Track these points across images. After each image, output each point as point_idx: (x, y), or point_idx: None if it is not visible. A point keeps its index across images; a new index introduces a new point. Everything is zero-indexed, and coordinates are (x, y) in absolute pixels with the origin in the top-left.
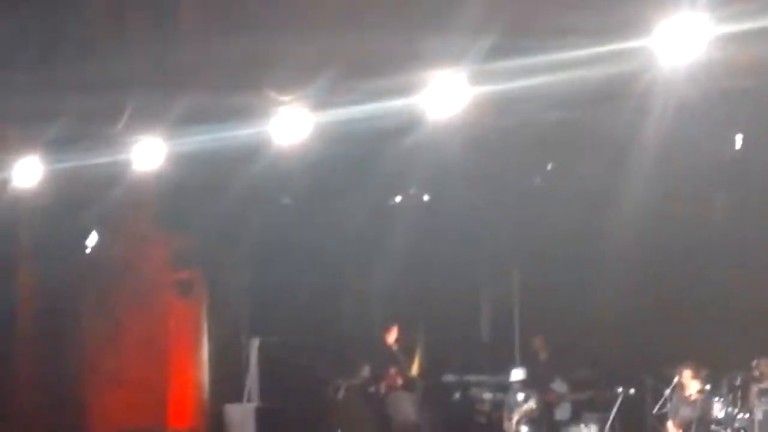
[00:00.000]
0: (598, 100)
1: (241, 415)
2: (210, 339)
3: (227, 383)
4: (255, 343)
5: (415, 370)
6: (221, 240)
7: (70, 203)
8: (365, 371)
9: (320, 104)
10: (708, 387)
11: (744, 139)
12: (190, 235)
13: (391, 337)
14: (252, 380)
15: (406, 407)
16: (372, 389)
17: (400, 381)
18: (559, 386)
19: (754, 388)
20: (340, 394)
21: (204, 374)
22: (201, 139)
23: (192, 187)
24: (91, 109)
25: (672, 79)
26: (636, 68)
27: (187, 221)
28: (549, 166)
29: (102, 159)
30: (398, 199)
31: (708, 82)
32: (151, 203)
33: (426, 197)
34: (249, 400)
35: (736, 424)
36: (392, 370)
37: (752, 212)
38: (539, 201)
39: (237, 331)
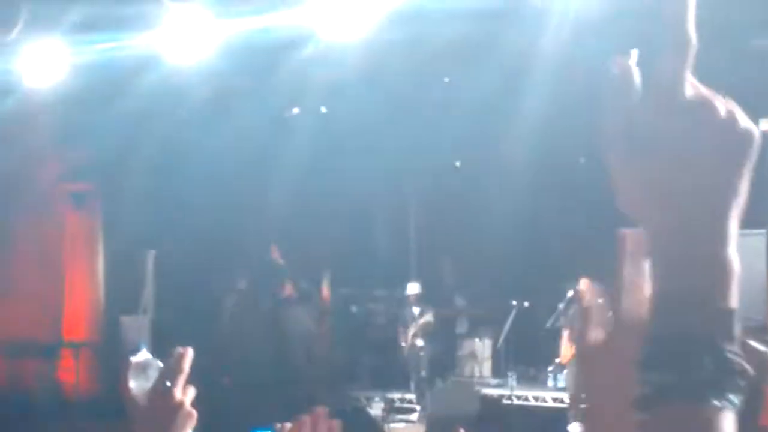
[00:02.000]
0: (496, 13)
1: (137, 326)
2: (105, 251)
3: (122, 295)
4: (150, 255)
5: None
6: (116, 153)
7: None
8: (243, 285)
9: (218, 14)
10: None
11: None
12: (85, 147)
13: (276, 252)
14: (147, 292)
15: (301, 320)
16: (267, 303)
17: (294, 294)
18: (458, 301)
19: None
20: (230, 306)
21: (99, 286)
22: (96, 48)
23: (86, 98)
24: None
25: None
26: None
27: (81, 133)
28: (446, 80)
29: None
30: (296, 111)
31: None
32: (44, 115)
33: (323, 110)
34: (144, 312)
35: None
36: (287, 287)
37: None
38: (435, 115)
39: (132, 244)
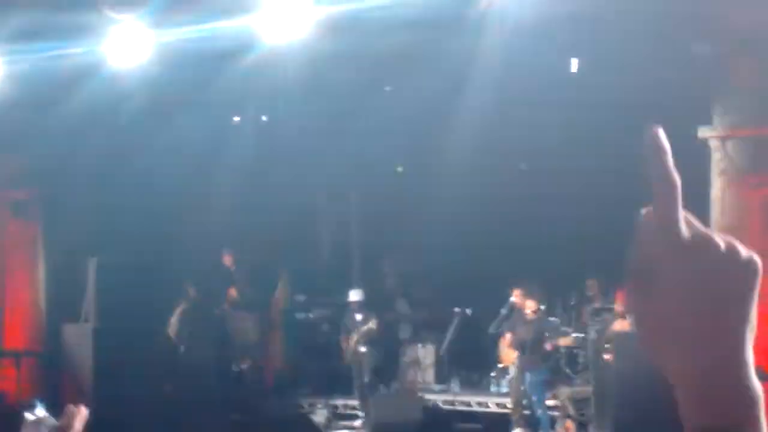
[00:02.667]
0: (437, 22)
1: (79, 335)
2: (46, 259)
3: (64, 303)
4: (92, 263)
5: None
6: (56, 160)
7: None
8: (192, 292)
9: (157, 23)
10: (543, 307)
11: (579, 63)
12: (24, 154)
13: (229, 259)
14: (89, 300)
15: (246, 327)
16: (216, 310)
17: (239, 300)
18: (401, 306)
19: (588, 309)
20: (175, 315)
21: (40, 294)
22: (36, 57)
23: (27, 105)
24: None
25: (510, 1)
26: None
27: (20, 140)
28: (387, 88)
29: None
30: (237, 119)
31: (545, 4)
32: None
33: (264, 118)
34: (86, 320)
35: (570, 344)
36: (231, 291)
37: (584, 137)
38: (377, 123)
39: (74, 251)
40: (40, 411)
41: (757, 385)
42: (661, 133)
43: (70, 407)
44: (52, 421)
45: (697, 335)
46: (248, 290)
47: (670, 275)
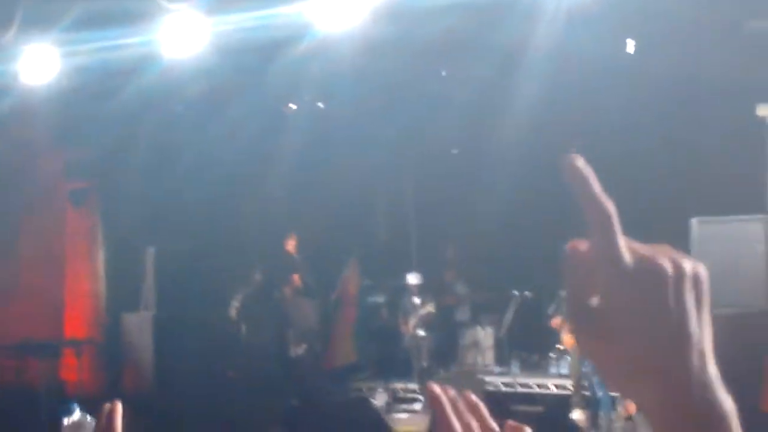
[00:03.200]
0: (491, 6)
1: (138, 323)
2: (105, 248)
3: (124, 292)
4: (151, 251)
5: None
6: (114, 150)
7: None
8: (259, 277)
9: (212, 11)
10: None
11: (636, 44)
12: (83, 144)
13: (292, 244)
14: (148, 289)
15: (307, 313)
16: (276, 294)
17: (301, 287)
18: (459, 289)
19: None
20: (235, 303)
21: (100, 284)
22: (92, 47)
23: (83, 96)
24: None
25: None
26: None
27: (79, 131)
28: (443, 73)
29: None
30: (292, 106)
31: None
32: (42, 113)
33: (320, 104)
34: (146, 309)
35: None
36: (294, 277)
37: (642, 119)
38: (432, 107)
39: (132, 240)
40: (77, 413)
41: (724, 398)
42: (579, 161)
43: (106, 405)
44: (90, 423)
45: (653, 365)
46: (310, 276)
47: (615, 307)
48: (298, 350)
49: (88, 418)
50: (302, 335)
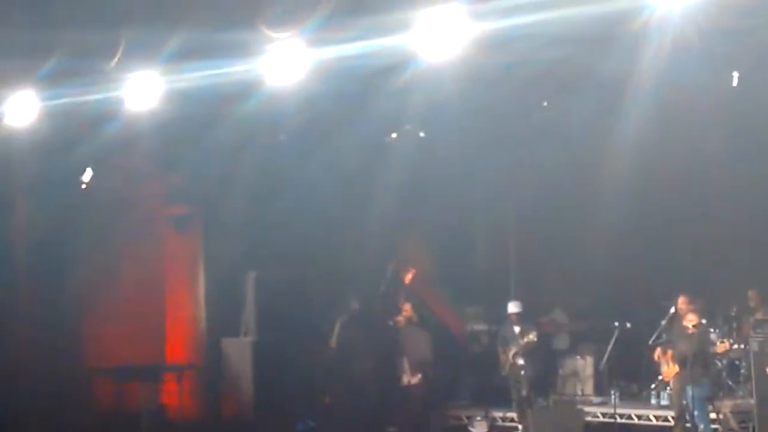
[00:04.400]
0: (595, 39)
1: (239, 349)
2: (206, 274)
3: (224, 318)
4: (251, 277)
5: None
6: (216, 176)
7: (64, 139)
8: (356, 305)
9: (315, 41)
10: (704, 321)
11: (740, 77)
12: (186, 171)
13: (407, 275)
14: (248, 314)
15: (419, 342)
16: (390, 322)
17: (415, 317)
18: (558, 316)
19: (749, 319)
20: (336, 330)
21: (201, 309)
22: (196, 76)
23: (188, 123)
24: (85, 44)
25: (667, 18)
26: (632, 6)
27: (182, 157)
28: (545, 104)
29: (96, 95)
30: (394, 135)
31: (703, 19)
32: (146, 139)
33: (422, 134)
34: (246, 334)
35: (732, 356)
36: (407, 306)
37: (747, 149)
38: (534, 138)
39: (233, 266)
40: None
41: None
42: None
43: None
44: None
45: None
46: (423, 305)
47: None
48: (410, 379)
49: None
50: (416, 365)
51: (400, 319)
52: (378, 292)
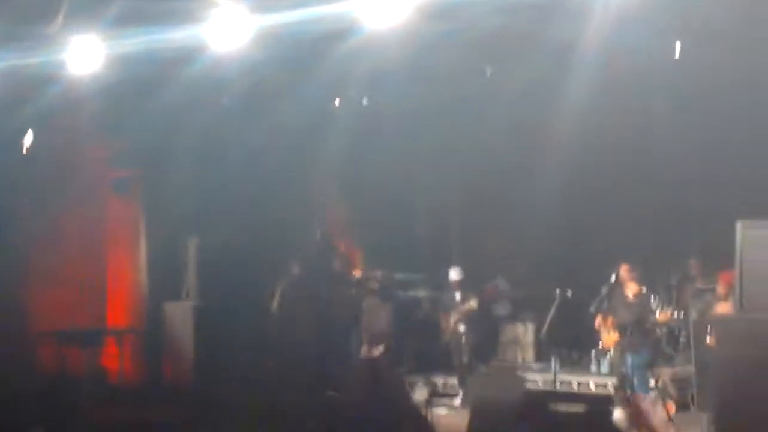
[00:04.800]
0: (538, 5)
1: (180, 313)
2: (148, 238)
3: (166, 282)
4: (193, 241)
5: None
6: (159, 140)
7: (6, 102)
8: (296, 270)
9: (259, 7)
10: (644, 289)
11: (682, 48)
12: (128, 135)
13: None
14: (190, 278)
15: (380, 314)
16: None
17: (377, 288)
18: (501, 283)
19: (689, 289)
20: (276, 296)
21: (142, 273)
22: (138, 41)
23: (129, 87)
24: (26, 9)
25: None
26: None
27: (124, 121)
28: (488, 70)
29: (38, 59)
30: (337, 102)
31: None
32: (88, 103)
33: (365, 101)
34: (188, 299)
35: (672, 324)
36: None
37: (690, 117)
38: (477, 105)
39: (175, 230)
40: None
41: None
42: None
43: None
44: None
45: None
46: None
47: None
48: (371, 351)
49: None
50: (376, 337)
51: (360, 289)
52: (310, 257)
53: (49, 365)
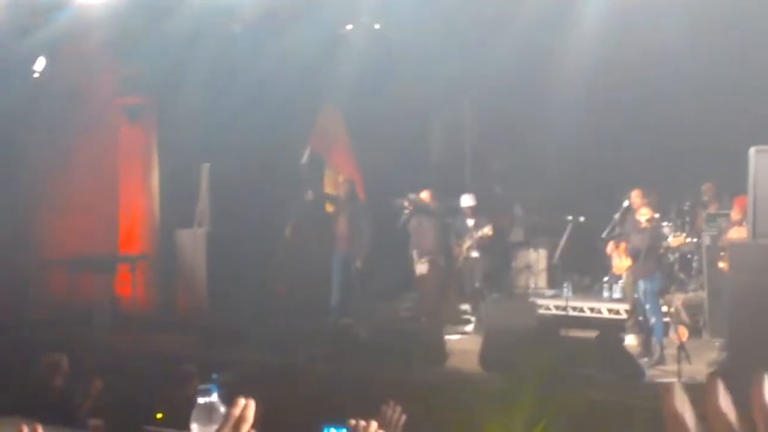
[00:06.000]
0: None
1: (192, 240)
2: (160, 165)
3: (178, 209)
4: (205, 168)
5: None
6: (170, 67)
7: (16, 29)
8: (311, 196)
9: None
10: (657, 215)
11: None
12: (140, 61)
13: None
14: (203, 205)
15: (428, 230)
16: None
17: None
18: (517, 210)
19: (702, 214)
20: (289, 221)
21: (155, 200)
22: None
23: (140, 13)
24: None
25: None
26: None
27: (136, 48)
28: None
29: None
30: (349, 27)
31: None
32: (98, 29)
33: (377, 26)
34: (200, 225)
35: (684, 249)
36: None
37: (703, 46)
38: (491, 30)
39: (188, 157)
40: (214, 396)
41: None
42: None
43: (240, 400)
44: (223, 408)
45: None
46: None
47: None
48: (422, 267)
49: (222, 406)
50: (423, 253)
51: (407, 205)
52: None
53: (63, 292)
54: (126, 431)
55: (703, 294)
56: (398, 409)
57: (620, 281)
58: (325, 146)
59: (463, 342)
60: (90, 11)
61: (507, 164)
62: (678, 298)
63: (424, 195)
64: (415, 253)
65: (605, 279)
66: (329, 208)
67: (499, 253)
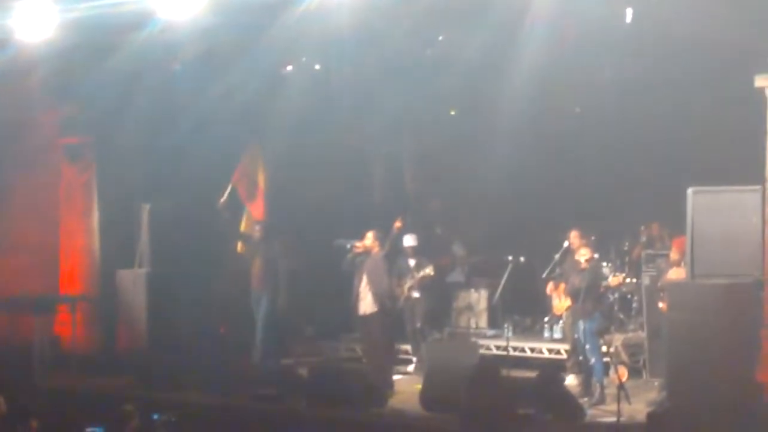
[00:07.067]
0: None
1: (133, 280)
2: (100, 204)
3: (118, 249)
4: (146, 209)
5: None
6: (111, 106)
7: None
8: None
9: None
10: (596, 255)
11: (634, 14)
12: (79, 101)
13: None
14: (143, 246)
15: (382, 273)
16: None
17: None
18: (457, 249)
19: (642, 254)
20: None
21: (95, 240)
22: (90, 5)
23: (80, 52)
24: None
25: None
26: None
27: (75, 88)
28: (440, 37)
29: None
30: (290, 68)
31: None
32: (38, 69)
33: (317, 66)
34: (140, 266)
35: (624, 290)
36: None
37: (641, 83)
38: (430, 71)
39: (128, 197)
40: None
41: None
42: None
43: None
44: None
45: None
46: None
47: None
48: (369, 309)
49: None
50: (377, 296)
51: (360, 246)
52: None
53: (2, 332)
54: None
55: (643, 334)
56: None
57: (560, 321)
58: (242, 185)
59: (404, 382)
60: (30, 49)
61: (447, 204)
62: (618, 338)
63: (369, 236)
64: (357, 293)
65: (546, 319)
66: (240, 248)
67: (441, 293)
